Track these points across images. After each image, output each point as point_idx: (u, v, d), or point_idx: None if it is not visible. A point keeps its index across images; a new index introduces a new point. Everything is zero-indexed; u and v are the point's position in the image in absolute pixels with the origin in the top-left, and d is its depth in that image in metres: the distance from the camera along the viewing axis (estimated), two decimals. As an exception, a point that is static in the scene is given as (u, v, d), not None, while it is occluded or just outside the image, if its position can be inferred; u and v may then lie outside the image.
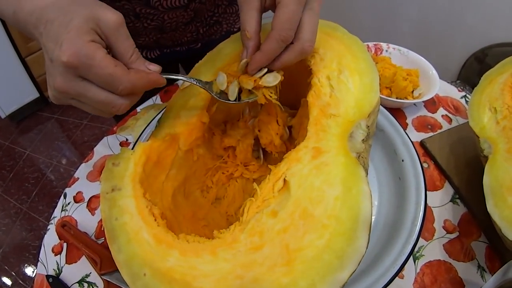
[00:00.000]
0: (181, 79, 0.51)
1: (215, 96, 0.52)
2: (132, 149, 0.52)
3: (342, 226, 0.39)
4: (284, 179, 0.44)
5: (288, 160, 0.46)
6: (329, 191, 0.41)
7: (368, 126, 0.47)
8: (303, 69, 0.56)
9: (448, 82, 0.92)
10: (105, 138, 0.87)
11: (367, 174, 0.50)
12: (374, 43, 0.91)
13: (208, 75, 0.59)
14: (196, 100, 0.57)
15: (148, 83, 0.44)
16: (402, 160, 0.65)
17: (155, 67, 0.46)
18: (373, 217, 0.64)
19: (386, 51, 0.92)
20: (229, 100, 0.51)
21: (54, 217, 0.75)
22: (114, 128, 0.88)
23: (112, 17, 0.42)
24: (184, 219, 0.54)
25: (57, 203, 0.77)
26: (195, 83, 0.52)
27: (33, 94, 2.66)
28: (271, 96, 0.51)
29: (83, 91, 0.42)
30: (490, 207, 0.56)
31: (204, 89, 0.52)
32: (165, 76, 0.47)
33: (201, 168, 0.62)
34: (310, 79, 0.53)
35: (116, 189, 0.47)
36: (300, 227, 0.39)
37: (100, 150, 0.85)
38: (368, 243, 0.38)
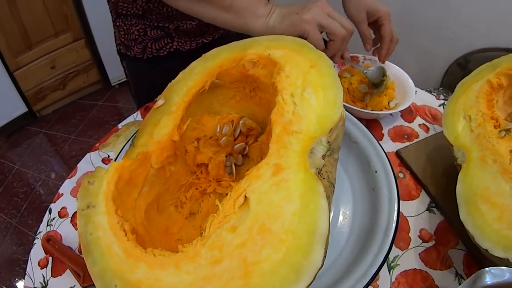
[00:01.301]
0: None
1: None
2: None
3: (299, 241, 0.40)
4: (245, 196, 0.46)
5: (249, 177, 0.48)
6: (287, 207, 0.42)
7: (329, 142, 0.48)
8: (271, 87, 0.58)
9: (429, 90, 0.94)
10: (88, 155, 0.88)
11: (333, 187, 0.51)
12: (350, 55, 0.93)
13: (180, 94, 0.61)
14: (168, 119, 0.58)
15: None
16: (376, 171, 0.66)
17: None
18: (347, 228, 0.65)
19: (363, 62, 0.94)
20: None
21: (40, 232, 0.77)
22: (97, 145, 0.89)
23: None
24: (157, 234, 0.56)
25: (45, 217, 0.79)
26: None
27: (22, 109, 2.66)
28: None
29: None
30: (463, 215, 0.57)
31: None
32: None
33: (175, 184, 0.63)
34: (275, 96, 0.54)
35: (91, 206, 0.49)
36: (257, 241, 0.41)
37: (83, 166, 0.86)
38: (324, 257, 0.39)
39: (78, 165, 0.87)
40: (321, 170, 0.46)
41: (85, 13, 2.50)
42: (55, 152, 2.53)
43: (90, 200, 0.50)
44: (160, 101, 0.61)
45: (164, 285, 0.42)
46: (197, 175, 0.64)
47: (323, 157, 0.47)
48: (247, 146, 0.67)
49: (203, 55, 0.66)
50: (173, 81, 0.64)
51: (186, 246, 0.45)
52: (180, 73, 0.64)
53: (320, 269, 0.39)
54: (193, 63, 0.65)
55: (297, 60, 0.57)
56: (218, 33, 1.03)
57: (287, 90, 0.53)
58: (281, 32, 0.70)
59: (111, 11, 1.00)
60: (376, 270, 0.54)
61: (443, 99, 0.93)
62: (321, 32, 0.72)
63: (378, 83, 0.88)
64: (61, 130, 2.68)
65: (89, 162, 0.87)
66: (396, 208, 0.61)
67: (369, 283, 0.53)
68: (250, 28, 0.75)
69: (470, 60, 1.82)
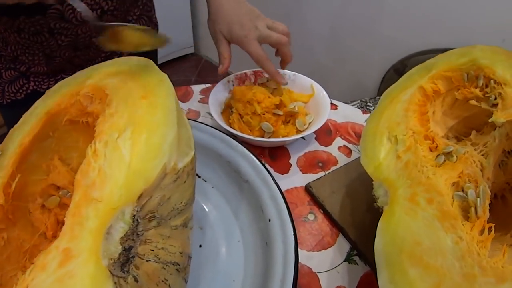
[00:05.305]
0: None
1: None
2: None
3: None
4: None
5: (35, 267, 0.33)
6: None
7: (139, 216, 0.33)
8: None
9: (365, 100, 0.80)
10: None
11: (177, 265, 0.36)
12: (253, 70, 0.79)
13: (16, 143, 0.47)
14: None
15: None
16: (269, 220, 0.52)
17: None
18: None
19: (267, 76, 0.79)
20: None
21: None
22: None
23: None
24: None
25: None
26: None
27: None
28: None
29: None
30: (384, 283, 0.40)
31: None
32: None
33: (17, 251, 0.48)
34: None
35: None
36: None
37: None
38: None
39: None
40: (116, 260, 0.31)
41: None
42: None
43: None
44: None
45: None
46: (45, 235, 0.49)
47: (125, 239, 0.32)
48: None
49: (47, 91, 0.53)
50: (15, 126, 0.50)
51: None
52: (23, 115, 0.51)
53: None
54: (37, 102, 0.52)
55: (129, 89, 0.42)
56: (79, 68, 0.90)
57: (104, 135, 0.38)
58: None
59: None
60: None
61: (375, 111, 0.80)
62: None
63: None
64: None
65: None
66: (292, 269, 0.47)
67: None
68: None
69: (407, 64, 1.74)
